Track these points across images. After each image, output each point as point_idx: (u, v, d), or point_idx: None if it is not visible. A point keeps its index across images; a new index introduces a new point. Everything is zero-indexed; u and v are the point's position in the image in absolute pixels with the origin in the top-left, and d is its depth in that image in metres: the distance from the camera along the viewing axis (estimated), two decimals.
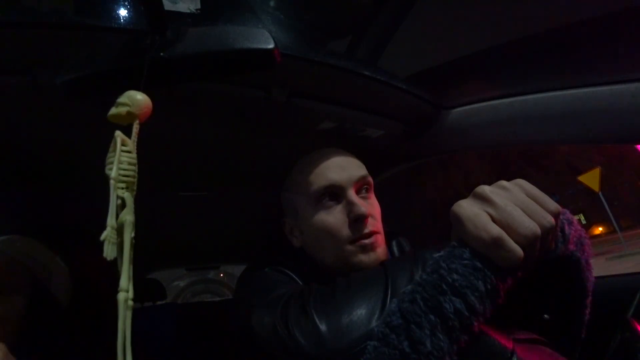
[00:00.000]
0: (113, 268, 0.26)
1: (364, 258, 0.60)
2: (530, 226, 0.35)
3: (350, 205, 0.61)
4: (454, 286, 0.35)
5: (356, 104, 0.68)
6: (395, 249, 0.72)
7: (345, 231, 0.60)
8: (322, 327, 0.41)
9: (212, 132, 0.70)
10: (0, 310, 0.57)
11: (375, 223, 0.63)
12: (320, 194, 0.63)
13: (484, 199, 0.38)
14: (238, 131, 0.71)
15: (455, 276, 0.35)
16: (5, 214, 0.88)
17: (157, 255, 1.57)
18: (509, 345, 0.36)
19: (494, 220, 0.36)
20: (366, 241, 0.60)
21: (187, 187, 0.93)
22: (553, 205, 0.38)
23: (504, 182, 0.40)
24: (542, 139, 0.69)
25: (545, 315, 0.46)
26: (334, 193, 0.63)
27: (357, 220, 0.60)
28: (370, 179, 0.67)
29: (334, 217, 0.61)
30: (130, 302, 0.25)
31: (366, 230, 0.60)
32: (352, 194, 0.62)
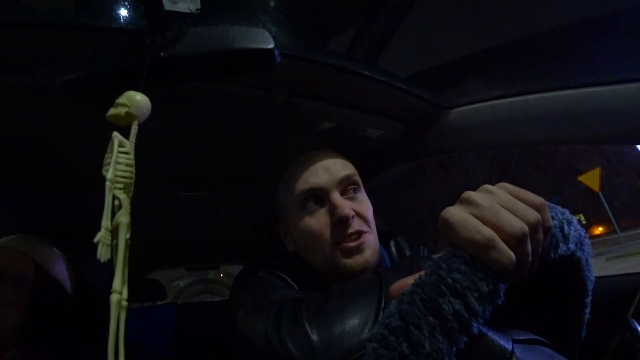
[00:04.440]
0: (110, 268, 0.26)
1: (349, 262, 0.58)
2: (517, 224, 0.35)
3: (332, 207, 0.59)
4: (453, 287, 0.35)
5: (356, 104, 0.68)
6: (393, 249, 0.72)
7: (329, 234, 0.59)
8: (314, 337, 0.41)
9: (212, 132, 0.70)
10: (9, 296, 0.69)
11: (363, 222, 0.62)
12: (304, 198, 0.62)
13: (470, 203, 0.38)
14: (238, 131, 0.71)
15: (454, 277, 0.35)
16: (8, 216, 0.91)
17: (157, 255, 1.57)
18: (509, 345, 0.35)
19: (482, 222, 0.36)
20: (352, 244, 0.58)
21: (187, 187, 0.93)
22: (536, 199, 0.38)
23: (487, 186, 0.40)
24: (542, 139, 0.69)
25: (545, 316, 0.46)
26: (317, 196, 0.61)
27: (340, 223, 0.59)
28: (356, 178, 0.65)
29: (317, 221, 0.60)
30: (124, 303, 0.25)
31: (350, 231, 0.59)
32: (335, 196, 0.60)
